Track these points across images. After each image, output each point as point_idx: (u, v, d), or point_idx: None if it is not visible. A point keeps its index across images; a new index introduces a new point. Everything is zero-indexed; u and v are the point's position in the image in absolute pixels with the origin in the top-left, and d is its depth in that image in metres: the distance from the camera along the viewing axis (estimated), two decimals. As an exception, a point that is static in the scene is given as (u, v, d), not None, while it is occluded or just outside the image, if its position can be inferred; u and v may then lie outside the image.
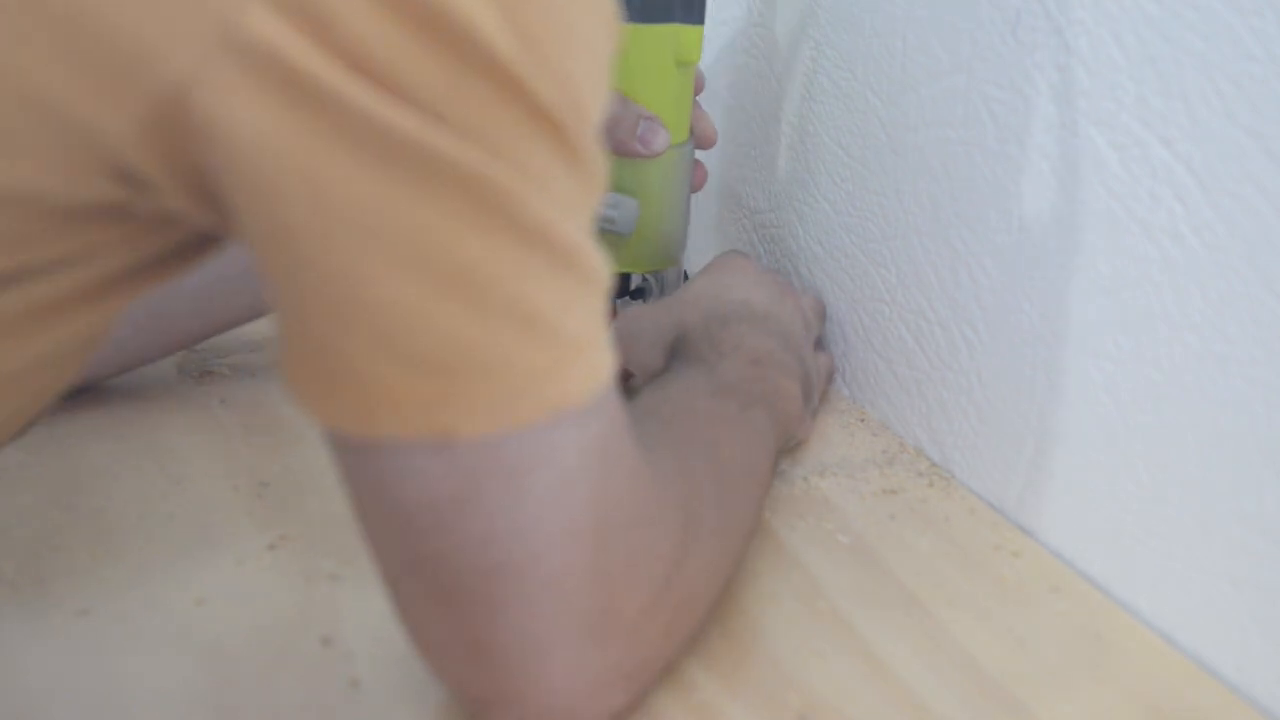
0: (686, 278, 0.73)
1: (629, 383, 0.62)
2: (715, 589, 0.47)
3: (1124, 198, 0.49)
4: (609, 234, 0.68)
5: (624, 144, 0.66)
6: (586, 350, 0.36)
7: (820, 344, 0.70)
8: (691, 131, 0.71)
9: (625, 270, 0.71)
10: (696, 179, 0.73)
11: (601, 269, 0.37)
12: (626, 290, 0.73)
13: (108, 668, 0.44)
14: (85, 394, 0.63)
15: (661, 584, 0.41)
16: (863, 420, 0.67)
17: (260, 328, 0.72)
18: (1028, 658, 0.48)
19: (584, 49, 0.35)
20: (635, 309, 0.67)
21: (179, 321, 0.64)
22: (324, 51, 0.31)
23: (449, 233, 0.33)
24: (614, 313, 0.70)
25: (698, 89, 0.71)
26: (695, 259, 0.78)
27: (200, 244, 0.39)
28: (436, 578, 0.37)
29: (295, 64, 0.31)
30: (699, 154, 0.73)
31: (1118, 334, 0.50)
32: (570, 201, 0.35)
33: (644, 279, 0.73)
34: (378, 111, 0.31)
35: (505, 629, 0.37)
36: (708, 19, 0.83)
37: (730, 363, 0.58)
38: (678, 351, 0.61)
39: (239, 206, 0.33)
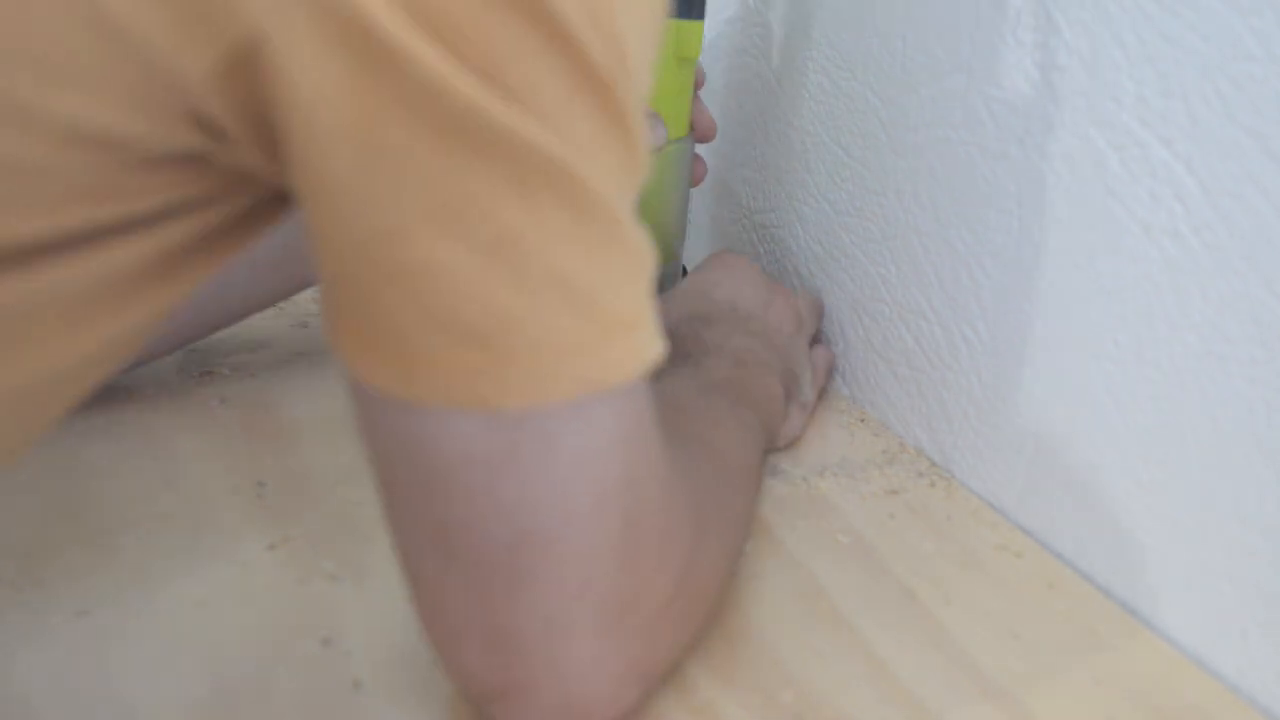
0: (685, 273, 0.73)
1: None
2: (719, 586, 0.47)
3: (1124, 198, 0.49)
4: None
5: None
6: (632, 330, 0.36)
7: (820, 341, 0.71)
8: (692, 126, 0.71)
9: None
10: (696, 174, 0.73)
11: (646, 250, 0.36)
12: None
13: (107, 668, 0.44)
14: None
15: (679, 579, 0.41)
16: (863, 420, 0.68)
17: (261, 328, 0.72)
18: (1028, 658, 0.48)
19: (636, 13, 0.34)
20: None
21: (222, 298, 0.64)
22: (393, 2, 0.30)
23: (496, 201, 0.33)
24: None
25: (698, 84, 0.71)
26: (693, 259, 0.77)
27: (272, 207, 0.38)
28: (461, 548, 0.37)
29: (364, 13, 0.30)
30: (699, 148, 0.73)
31: (1118, 334, 0.50)
32: (617, 174, 0.35)
33: None
34: (438, 71, 0.31)
35: (527, 609, 0.37)
36: (707, 17, 0.84)
37: (715, 361, 0.59)
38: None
39: (294, 158, 0.33)
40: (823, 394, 0.69)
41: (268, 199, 0.38)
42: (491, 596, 0.37)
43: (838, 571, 0.53)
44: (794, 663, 0.46)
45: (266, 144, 0.34)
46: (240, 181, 0.36)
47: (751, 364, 0.60)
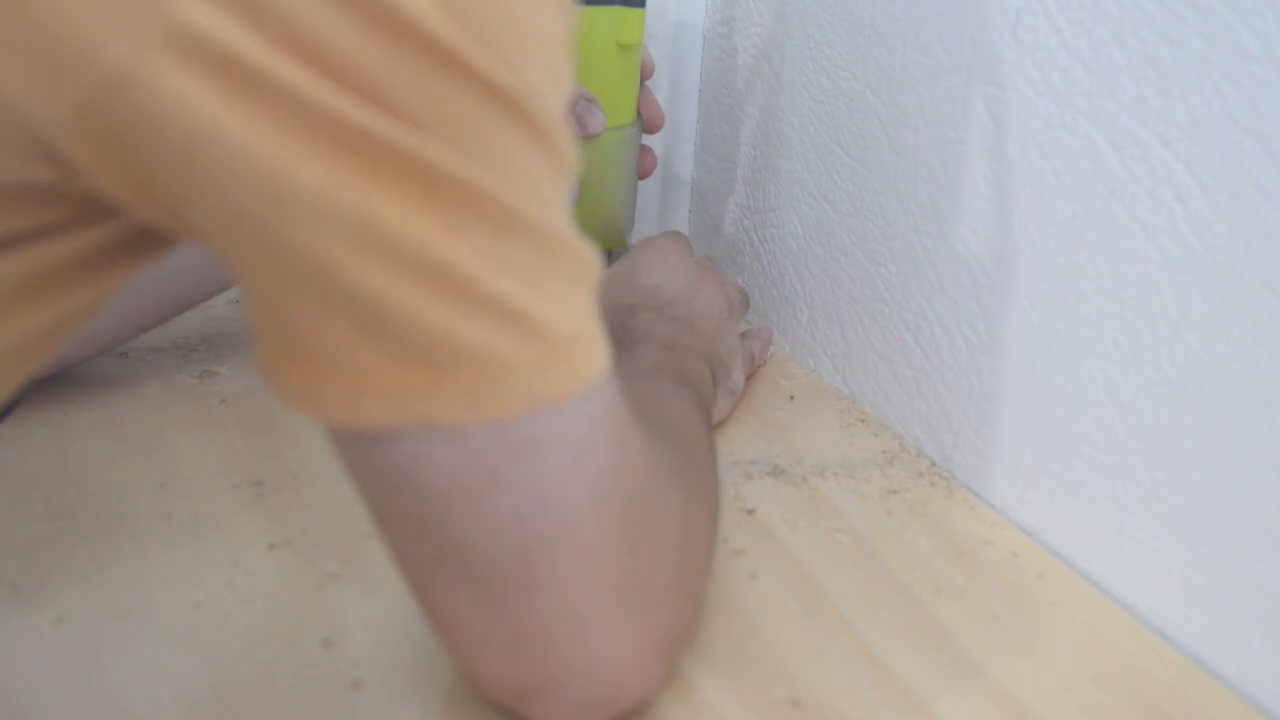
0: None
1: None
2: (711, 553, 0.47)
3: (1124, 198, 0.49)
4: None
5: None
6: (574, 343, 0.36)
7: (751, 329, 0.72)
8: (639, 115, 0.71)
9: None
10: (645, 164, 0.73)
11: (588, 255, 0.36)
12: None
13: (106, 669, 0.44)
14: (84, 393, 0.63)
15: (679, 548, 0.41)
16: (863, 420, 0.68)
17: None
18: (1027, 657, 0.48)
19: (531, 26, 0.34)
20: None
21: (180, 284, 0.64)
22: (262, 37, 0.30)
23: (415, 225, 0.32)
24: None
25: (646, 74, 0.71)
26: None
27: (155, 237, 0.38)
28: (468, 565, 0.37)
29: (233, 50, 0.30)
30: (647, 139, 0.73)
31: (1118, 334, 0.50)
32: (544, 184, 0.35)
33: None
34: (321, 98, 0.31)
35: (545, 608, 0.37)
36: (708, 17, 0.84)
37: (645, 348, 0.59)
38: None
39: (190, 199, 0.32)
40: (751, 377, 0.70)
41: (144, 229, 0.37)
42: (508, 604, 0.37)
43: (837, 571, 0.53)
44: (793, 661, 0.46)
45: (132, 182, 0.33)
46: (104, 212, 0.35)
47: (677, 349, 0.60)
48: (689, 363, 0.60)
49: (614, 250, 0.74)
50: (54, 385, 0.63)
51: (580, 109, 0.66)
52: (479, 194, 0.33)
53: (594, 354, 0.37)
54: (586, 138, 0.66)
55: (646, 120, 0.72)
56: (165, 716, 0.42)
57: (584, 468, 0.36)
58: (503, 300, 0.34)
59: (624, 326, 0.61)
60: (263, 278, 0.34)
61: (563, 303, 0.35)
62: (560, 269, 0.35)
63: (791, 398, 0.70)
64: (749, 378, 0.70)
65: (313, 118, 0.31)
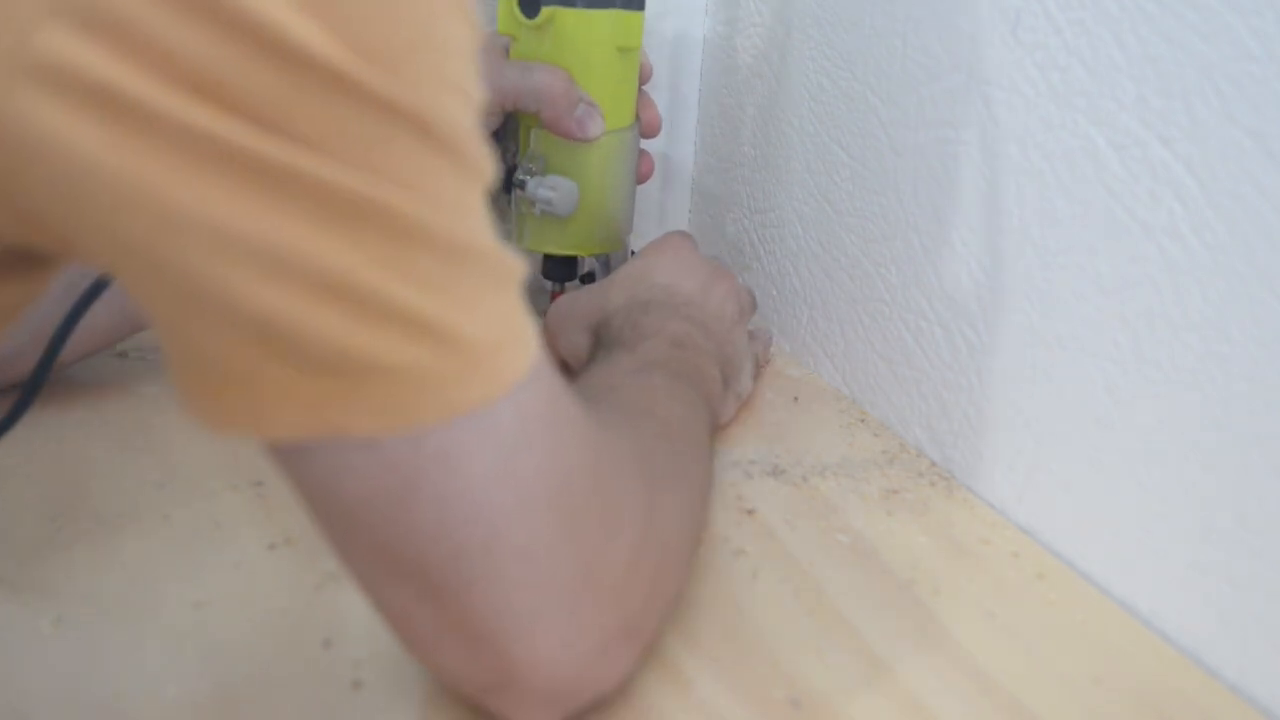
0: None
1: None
2: (688, 541, 0.47)
3: (1124, 198, 0.49)
4: (548, 215, 0.69)
5: (561, 123, 0.66)
6: (495, 350, 0.35)
7: (752, 329, 0.71)
8: (637, 118, 0.71)
9: (566, 253, 0.72)
10: (643, 168, 0.73)
11: (505, 260, 0.36)
12: (576, 274, 0.73)
13: (106, 669, 0.44)
14: (84, 394, 0.63)
15: (638, 539, 0.41)
16: (863, 420, 0.68)
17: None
18: (1028, 658, 0.48)
19: (423, 39, 0.33)
20: (565, 297, 0.68)
21: None
22: (133, 64, 0.29)
23: (311, 243, 0.32)
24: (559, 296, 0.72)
25: (644, 77, 0.71)
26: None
27: (33, 257, 0.37)
28: (404, 569, 0.37)
29: (101, 79, 0.29)
30: (645, 143, 0.73)
31: (1118, 334, 0.50)
32: (451, 193, 0.34)
33: (593, 262, 0.74)
34: (198, 122, 0.30)
35: (485, 610, 0.37)
36: (710, 17, 0.84)
37: (652, 344, 0.59)
38: (601, 338, 0.62)
39: (76, 228, 0.32)
40: (758, 376, 0.70)
41: (22, 250, 0.36)
42: (448, 605, 0.37)
43: (837, 571, 0.53)
44: (792, 661, 0.46)
45: (12, 212, 0.32)
46: None
47: (688, 346, 0.60)
48: (699, 363, 0.60)
49: (613, 254, 0.74)
50: (53, 385, 0.63)
51: (580, 112, 0.66)
52: (375, 207, 0.32)
53: (517, 358, 0.36)
54: (585, 141, 0.67)
55: (645, 124, 0.72)
56: (165, 716, 0.42)
57: (513, 470, 0.36)
58: (408, 310, 0.33)
59: (634, 325, 0.61)
60: (159, 301, 0.33)
61: (478, 309, 0.35)
62: (474, 276, 0.35)
63: (794, 399, 0.70)
64: (756, 378, 0.70)
65: (191, 142, 0.30)
